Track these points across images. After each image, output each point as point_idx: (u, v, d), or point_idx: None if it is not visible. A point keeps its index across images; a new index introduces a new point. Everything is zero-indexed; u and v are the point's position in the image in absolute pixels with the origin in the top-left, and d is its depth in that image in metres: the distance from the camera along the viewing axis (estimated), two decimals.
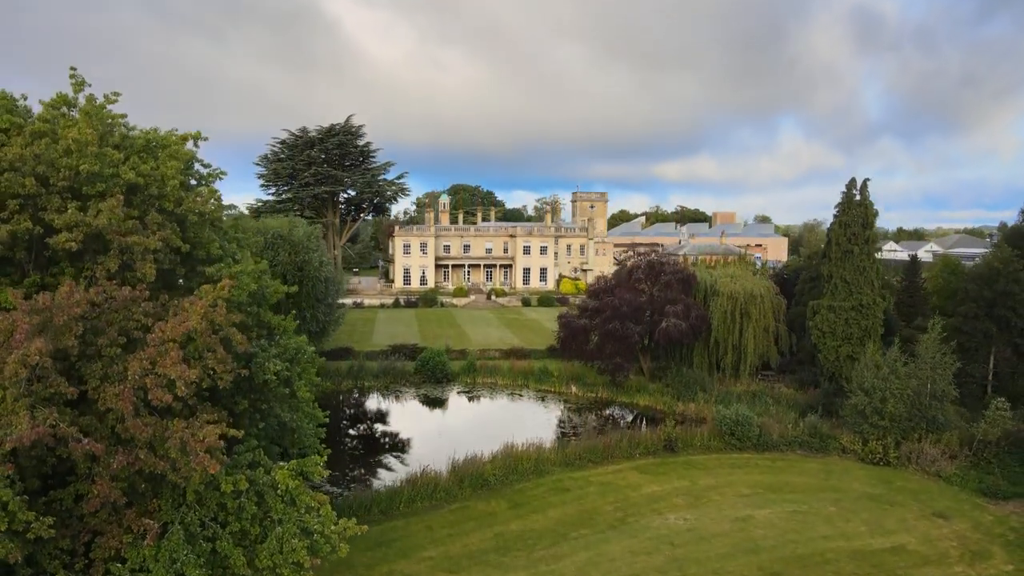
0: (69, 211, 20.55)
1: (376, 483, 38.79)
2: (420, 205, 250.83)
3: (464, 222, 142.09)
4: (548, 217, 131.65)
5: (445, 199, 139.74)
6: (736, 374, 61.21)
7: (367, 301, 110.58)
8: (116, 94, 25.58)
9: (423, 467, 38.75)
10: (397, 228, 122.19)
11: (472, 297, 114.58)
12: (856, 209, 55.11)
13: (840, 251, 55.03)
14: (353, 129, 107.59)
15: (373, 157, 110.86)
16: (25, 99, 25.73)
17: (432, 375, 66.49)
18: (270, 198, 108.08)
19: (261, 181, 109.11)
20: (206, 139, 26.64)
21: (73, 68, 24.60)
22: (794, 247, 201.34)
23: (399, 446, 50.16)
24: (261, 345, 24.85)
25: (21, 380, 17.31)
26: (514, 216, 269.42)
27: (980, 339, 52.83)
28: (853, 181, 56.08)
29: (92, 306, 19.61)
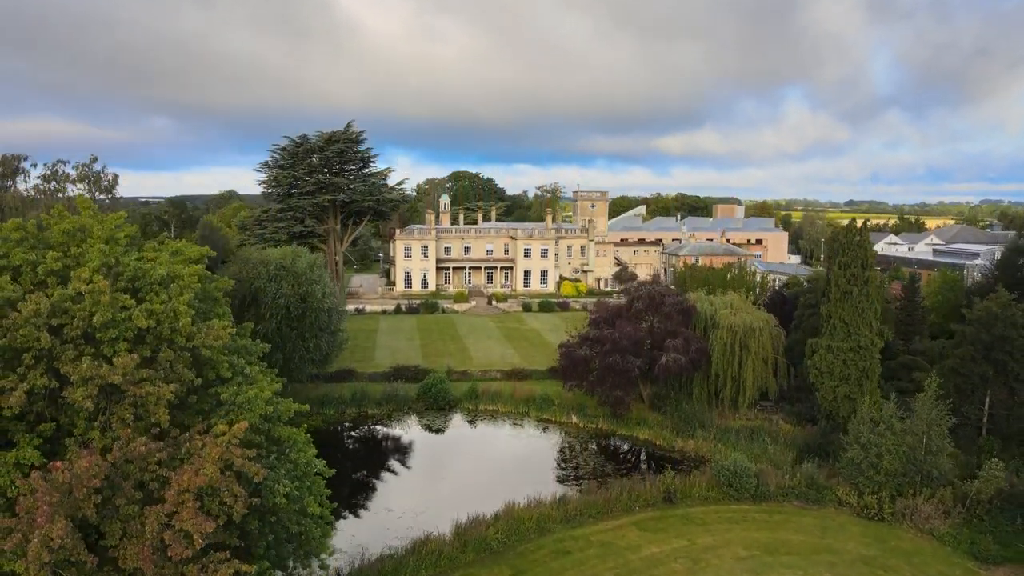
0: (84, 364, 21.01)
1: (380, 547, 39.42)
2: (420, 192, 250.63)
3: (465, 219, 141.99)
4: (548, 219, 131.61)
5: (445, 199, 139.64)
6: (735, 405, 61.96)
7: (368, 307, 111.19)
8: (122, 216, 25.91)
9: (426, 533, 39.57)
10: (398, 232, 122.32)
11: (473, 302, 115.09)
12: (856, 251, 55.46)
13: (839, 292, 55.48)
14: (353, 136, 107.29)
15: (373, 162, 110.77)
16: (38, 219, 26.01)
17: (434, 402, 67.24)
18: (272, 205, 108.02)
19: (263, 188, 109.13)
20: (213, 254, 26.97)
21: (84, 197, 24.85)
22: (794, 237, 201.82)
23: (402, 489, 51.00)
24: (270, 463, 25.44)
25: (43, 560, 17.93)
26: (515, 204, 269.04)
27: (976, 381, 53.40)
28: (853, 222, 56.59)
29: (110, 466, 20.20)
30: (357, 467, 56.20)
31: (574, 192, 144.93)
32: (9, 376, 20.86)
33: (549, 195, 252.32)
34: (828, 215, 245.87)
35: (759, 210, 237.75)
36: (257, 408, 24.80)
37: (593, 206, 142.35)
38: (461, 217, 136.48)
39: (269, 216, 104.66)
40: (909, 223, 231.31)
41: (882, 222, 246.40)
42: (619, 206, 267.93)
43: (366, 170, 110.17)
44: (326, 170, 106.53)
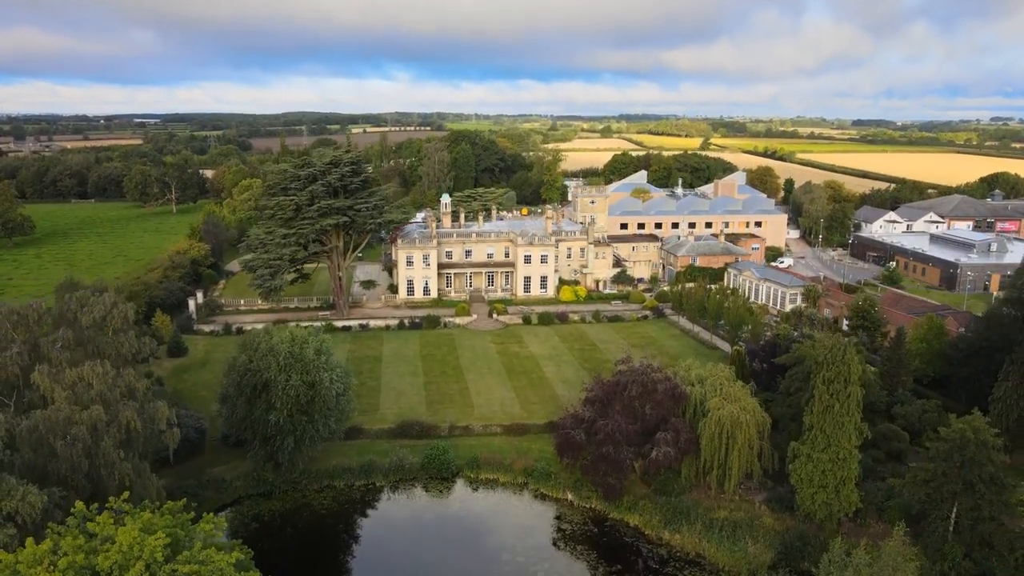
0: None
1: None
2: (422, 153, 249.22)
3: (466, 213, 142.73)
4: (548, 222, 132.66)
5: (446, 198, 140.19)
6: (721, 487, 65.93)
7: (372, 323, 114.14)
8: (162, 542, 28.74)
9: None
10: (399, 240, 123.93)
11: (474, 316, 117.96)
12: (839, 367, 58.12)
13: (822, 406, 58.54)
14: (353, 159, 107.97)
15: (373, 180, 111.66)
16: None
17: (438, 472, 71.31)
18: (276, 228, 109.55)
19: (267, 206, 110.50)
20: (240, 556, 29.89)
21: (128, 531, 27.66)
22: (797, 208, 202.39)
23: None
24: None
25: None
26: (516, 163, 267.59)
27: (945, 494, 57.01)
28: (839, 340, 58.92)
29: None
30: (363, 561, 60.51)
31: (574, 188, 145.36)
32: None
33: (550, 157, 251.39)
34: (829, 180, 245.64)
35: (762, 175, 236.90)
36: None
37: (593, 202, 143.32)
38: (462, 215, 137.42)
39: (274, 241, 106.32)
40: (910, 187, 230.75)
41: (883, 187, 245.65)
42: (620, 164, 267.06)
43: (368, 189, 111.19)
44: (329, 196, 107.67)
